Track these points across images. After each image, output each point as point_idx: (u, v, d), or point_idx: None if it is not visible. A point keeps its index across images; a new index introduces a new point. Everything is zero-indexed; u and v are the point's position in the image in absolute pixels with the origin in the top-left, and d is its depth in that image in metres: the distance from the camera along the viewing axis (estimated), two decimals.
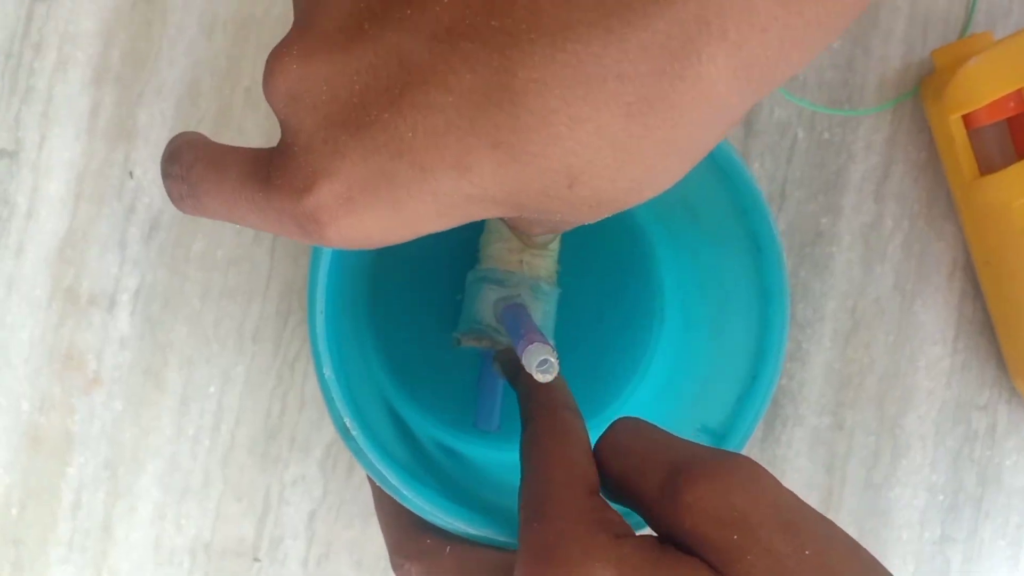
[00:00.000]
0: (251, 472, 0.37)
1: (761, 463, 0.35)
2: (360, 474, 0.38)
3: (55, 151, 0.37)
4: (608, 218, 0.29)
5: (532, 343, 0.27)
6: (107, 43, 0.37)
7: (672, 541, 0.23)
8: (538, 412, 0.27)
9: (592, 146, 0.19)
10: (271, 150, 0.21)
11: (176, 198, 0.24)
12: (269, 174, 0.21)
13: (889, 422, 0.39)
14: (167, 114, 0.37)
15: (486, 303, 0.33)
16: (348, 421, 0.27)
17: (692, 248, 0.37)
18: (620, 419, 0.27)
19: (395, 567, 0.28)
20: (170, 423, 0.37)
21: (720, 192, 0.32)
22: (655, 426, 0.26)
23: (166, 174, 0.24)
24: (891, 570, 0.39)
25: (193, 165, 0.23)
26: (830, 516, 0.37)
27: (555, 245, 0.34)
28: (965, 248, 0.40)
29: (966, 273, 0.40)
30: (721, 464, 0.23)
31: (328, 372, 0.27)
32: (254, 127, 0.37)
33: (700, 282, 0.37)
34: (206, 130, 0.37)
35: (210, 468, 0.37)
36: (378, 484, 0.28)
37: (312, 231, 0.21)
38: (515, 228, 0.26)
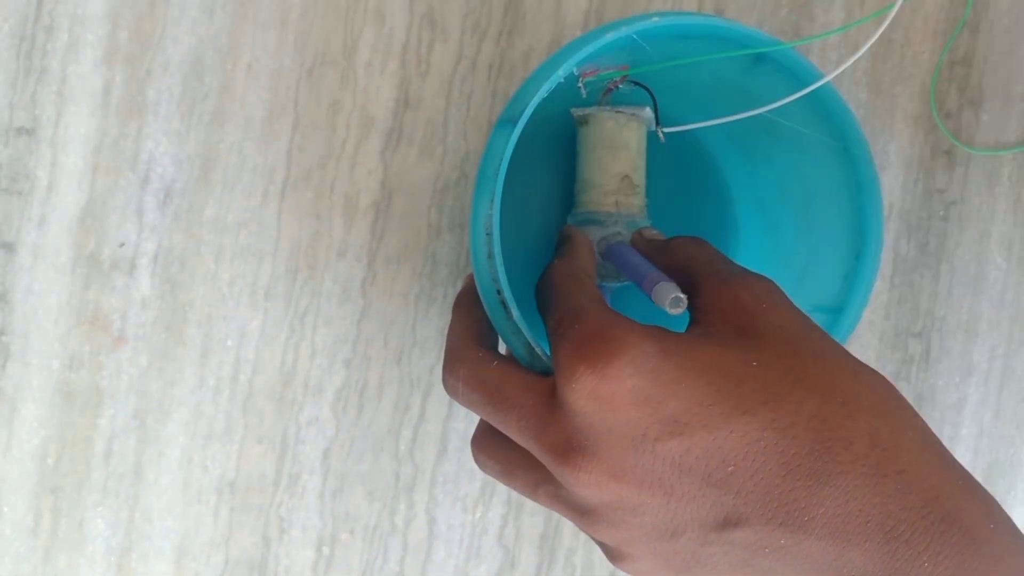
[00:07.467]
0: (269, 416, 0.41)
1: None
2: (368, 414, 0.41)
3: (71, 127, 0.39)
4: (680, 145, 0.34)
5: (658, 282, 0.29)
6: (114, 24, 0.39)
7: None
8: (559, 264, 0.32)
9: None
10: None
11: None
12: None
13: None
14: (174, 90, 0.40)
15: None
16: (490, 218, 0.29)
17: (766, 157, 0.38)
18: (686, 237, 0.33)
19: (446, 366, 0.30)
20: (192, 375, 0.40)
21: (797, 102, 0.33)
22: (713, 247, 0.32)
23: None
24: None
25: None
26: None
27: (643, 183, 0.36)
28: (900, 196, 0.44)
29: (900, 217, 0.45)
30: (742, 275, 0.29)
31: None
32: (256, 100, 0.40)
33: (779, 186, 0.39)
34: (211, 104, 0.40)
35: (231, 414, 0.40)
36: (476, 284, 0.30)
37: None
38: None
